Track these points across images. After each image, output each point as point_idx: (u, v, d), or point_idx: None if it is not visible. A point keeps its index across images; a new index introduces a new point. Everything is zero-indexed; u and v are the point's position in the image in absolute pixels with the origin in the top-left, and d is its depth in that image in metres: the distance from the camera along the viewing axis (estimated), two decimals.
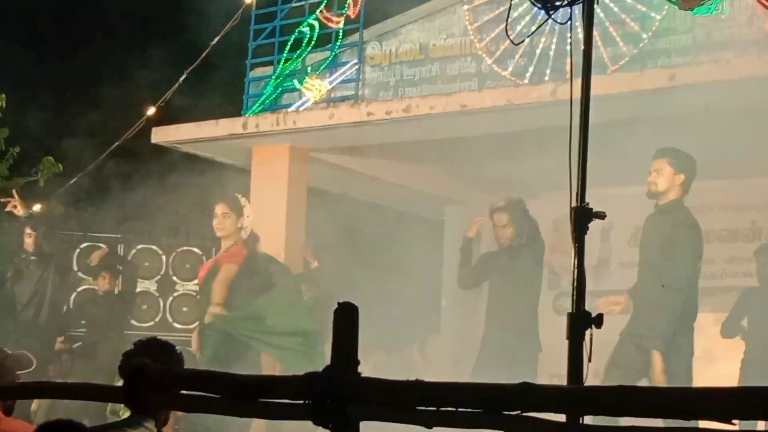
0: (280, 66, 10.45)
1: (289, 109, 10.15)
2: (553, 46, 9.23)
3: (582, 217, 4.01)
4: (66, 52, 16.39)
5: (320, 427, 3.30)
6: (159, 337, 4.48)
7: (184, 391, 3.93)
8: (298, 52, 10.39)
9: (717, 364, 9.11)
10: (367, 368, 3.34)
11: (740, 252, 10.55)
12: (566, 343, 3.97)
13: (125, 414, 4.29)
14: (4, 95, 13.06)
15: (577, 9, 4.30)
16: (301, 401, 3.28)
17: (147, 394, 3.96)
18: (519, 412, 2.86)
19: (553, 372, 8.92)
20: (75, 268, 11.93)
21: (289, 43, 10.45)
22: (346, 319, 3.25)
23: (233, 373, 3.75)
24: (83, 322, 11.15)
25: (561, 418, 3.07)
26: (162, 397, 3.99)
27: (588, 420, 3.16)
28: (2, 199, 10.57)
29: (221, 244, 8.46)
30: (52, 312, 10.33)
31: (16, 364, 5.50)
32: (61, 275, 10.52)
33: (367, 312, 3.31)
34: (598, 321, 3.95)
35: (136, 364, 3.99)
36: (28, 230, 10.10)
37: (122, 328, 10.87)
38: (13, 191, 10.54)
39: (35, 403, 9.72)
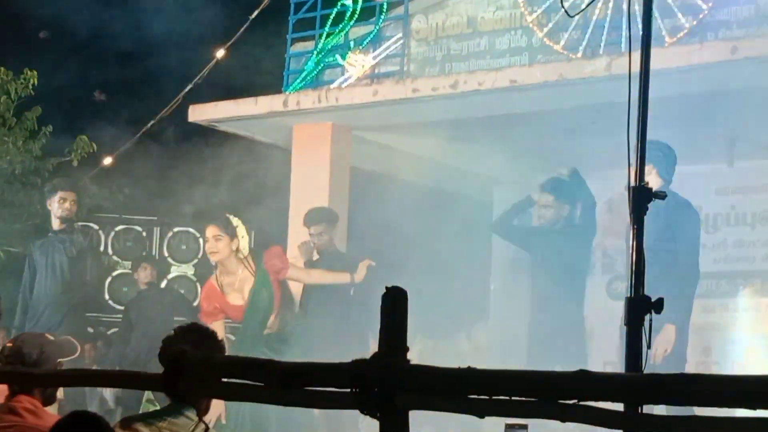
0: (322, 41, 10.30)
1: (332, 86, 10.03)
2: (607, 18, 9.02)
3: (641, 196, 3.87)
4: (98, 32, 16.27)
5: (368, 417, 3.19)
6: (200, 324, 4.52)
7: (225, 379, 3.84)
8: (341, 26, 10.25)
9: None
10: (412, 356, 3.23)
11: None
12: (620, 329, 3.99)
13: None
14: (36, 72, 12.88)
15: None
16: (348, 389, 3.19)
17: (187, 382, 3.91)
18: (575, 400, 2.78)
19: (606, 359, 8.70)
20: (110, 251, 11.71)
21: (331, 17, 10.30)
22: (395, 303, 3.15)
23: (277, 360, 3.71)
24: (131, 318, 10.68)
25: (618, 407, 2.97)
26: (203, 385, 3.95)
27: (647, 409, 3.05)
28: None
29: (217, 267, 8.03)
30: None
31: (59, 350, 5.29)
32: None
33: (412, 297, 3.19)
34: (658, 306, 3.77)
35: (176, 351, 3.93)
36: (61, 194, 8.97)
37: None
38: None
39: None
